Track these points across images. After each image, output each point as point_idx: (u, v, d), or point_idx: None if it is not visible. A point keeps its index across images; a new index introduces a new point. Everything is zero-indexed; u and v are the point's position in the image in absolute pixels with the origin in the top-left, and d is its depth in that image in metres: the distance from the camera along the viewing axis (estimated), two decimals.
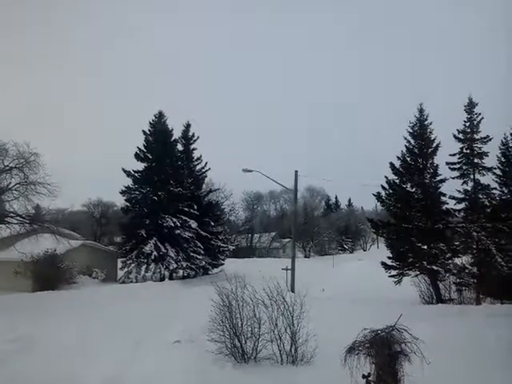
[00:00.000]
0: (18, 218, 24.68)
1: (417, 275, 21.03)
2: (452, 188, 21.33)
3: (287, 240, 66.73)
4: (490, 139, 20.97)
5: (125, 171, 34.91)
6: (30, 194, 24.31)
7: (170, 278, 33.81)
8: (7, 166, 23.98)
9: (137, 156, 35.45)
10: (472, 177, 21.00)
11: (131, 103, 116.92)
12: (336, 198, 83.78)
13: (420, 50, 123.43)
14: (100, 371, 8.06)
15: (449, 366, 7.49)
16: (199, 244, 35.03)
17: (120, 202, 38.97)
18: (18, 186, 24.36)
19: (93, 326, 12.90)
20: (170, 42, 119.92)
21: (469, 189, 21.03)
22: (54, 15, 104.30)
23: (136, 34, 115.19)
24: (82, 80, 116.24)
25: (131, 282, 31.91)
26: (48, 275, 26.69)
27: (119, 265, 34.65)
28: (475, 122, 21.14)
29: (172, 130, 36.69)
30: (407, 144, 22.39)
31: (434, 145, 22.08)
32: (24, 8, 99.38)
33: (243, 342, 8.72)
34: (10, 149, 23.80)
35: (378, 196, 22.63)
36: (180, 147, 38.60)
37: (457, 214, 21.62)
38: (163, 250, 32.68)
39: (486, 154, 20.96)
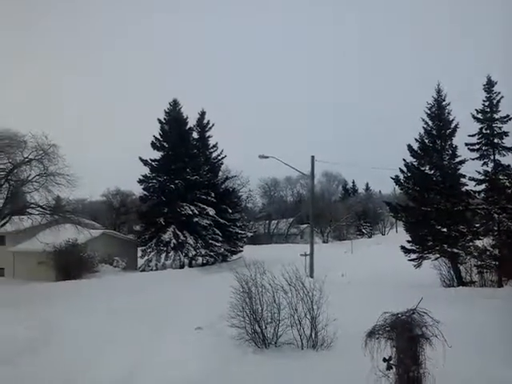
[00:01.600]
0: (39, 208, 25.18)
1: (437, 258, 20.84)
2: (472, 169, 20.96)
3: (305, 226, 66.66)
4: (510, 118, 20.49)
5: (142, 160, 35.23)
6: (50, 185, 24.78)
7: (190, 265, 34.15)
8: (27, 157, 24.39)
9: (153, 145, 35.71)
10: (492, 157, 20.57)
11: (148, 92, 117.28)
12: (353, 182, 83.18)
13: (435, 28, 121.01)
14: (124, 357, 8.22)
15: (470, 349, 7.44)
16: (217, 231, 35.25)
17: (138, 190, 39.41)
18: (37, 177, 24.81)
19: (116, 313, 13.13)
20: (186, 34, 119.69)
21: (489, 170, 20.63)
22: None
23: (150, 27, 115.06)
24: (100, 72, 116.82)
25: (151, 269, 32.35)
26: (70, 264, 27.18)
27: (139, 253, 35.15)
28: (494, 102, 20.62)
29: (187, 118, 36.85)
30: (425, 125, 22.02)
31: (453, 125, 21.67)
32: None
33: (263, 327, 8.78)
34: (29, 141, 24.22)
35: (397, 179, 22.36)
36: (195, 135, 38.69)
37: (477, 195, 21.26)
38: (182, 237, 32.98)
39: (506, 133, 20.45)
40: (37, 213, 25.34)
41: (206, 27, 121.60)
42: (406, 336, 5.85)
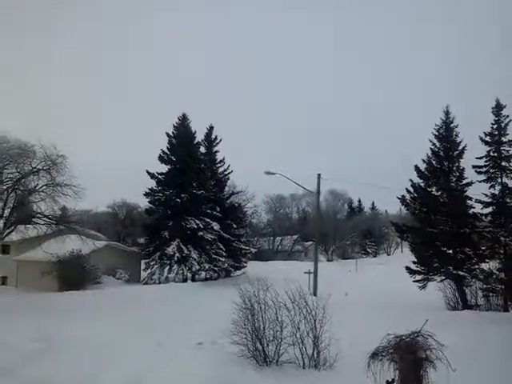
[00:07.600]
0: (44, 218, 25.26)
1: (442, 280, 20.63)
2: (479, 192, 20.87)
3: (309, 243, 66.37)
4: None
5: (149, 173, 35.38)
6: (57, 195, 24.91)
7: (193, 279, 33.97)
8: (35, 167, 24.56)
9: (161, 158, 35.88)
10: (499, 180, 20.50)
11: (156, 105, 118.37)
12: (359, 201, 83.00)
13: (446, 51, 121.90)
14: (123, 372, 8.14)
15: (475, 373, 7.32)
16: (221, 246, 35.18)
17: (144, 203, 39.52)
18: (45, 187, 24.96)
19: (116, 326, 13.06)
20: (191, 44, 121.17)
21: (496, 192, 20.53)
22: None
23: (157, 36, 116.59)
24: (106, 83, 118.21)
25: (154, 283, 32.24)
26: (73, 275, 27.15)
27: (142, 266, 35.10)
28: (503, 125, 20.63)
29: (195, 132, 37.06)
30: (432, 147, 22.02)
31: (460, 147, 21.65)
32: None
33: (265, 345, 8.68)
34: (38, 151, 24.41)
35: (403, 199, 22.28)
36: (203, 150, 38.89)
37: (484, 218, 21.11)
38: (186, 251, 32.90)
39: None
40: (42, 222, 25.41)
41: (206, 34, 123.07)
42: (409, 359, 5.79)
